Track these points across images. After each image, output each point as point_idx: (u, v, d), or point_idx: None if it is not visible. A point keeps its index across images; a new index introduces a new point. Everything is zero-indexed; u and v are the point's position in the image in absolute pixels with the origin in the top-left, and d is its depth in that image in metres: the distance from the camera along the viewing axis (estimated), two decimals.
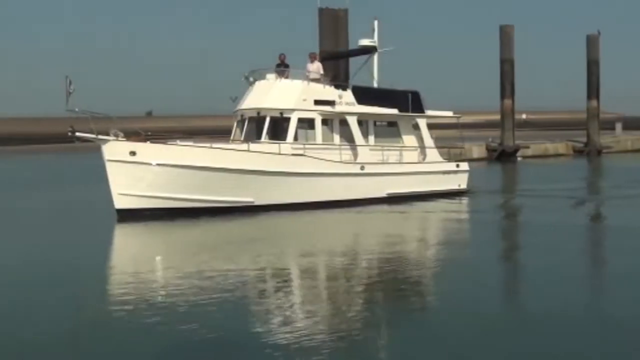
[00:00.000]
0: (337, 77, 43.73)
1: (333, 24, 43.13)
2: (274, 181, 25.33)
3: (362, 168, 27.74)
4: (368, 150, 28.49)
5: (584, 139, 62.53)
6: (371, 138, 29.04)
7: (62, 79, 22.95)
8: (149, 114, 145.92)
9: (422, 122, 31.04)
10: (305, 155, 26.20)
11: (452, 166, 31.51)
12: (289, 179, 25.58)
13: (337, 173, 26.94)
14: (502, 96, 57.78)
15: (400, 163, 29.62)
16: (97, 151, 23.69)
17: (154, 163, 23.53)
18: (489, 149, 57.26)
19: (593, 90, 62.06)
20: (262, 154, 25.38)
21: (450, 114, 33.54)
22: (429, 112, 31.29)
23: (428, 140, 31.14)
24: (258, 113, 27.27)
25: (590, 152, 60.18)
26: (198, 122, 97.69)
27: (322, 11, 43.21)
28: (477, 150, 56.86)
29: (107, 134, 23.43)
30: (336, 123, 27.92)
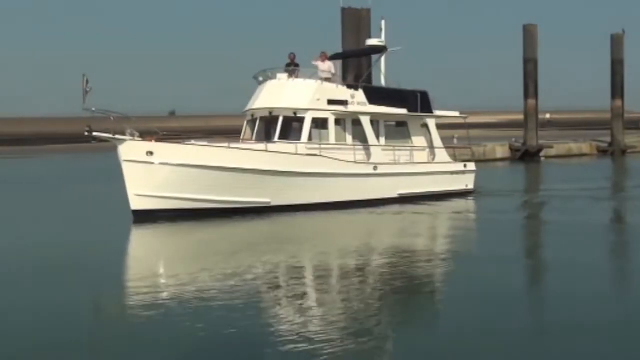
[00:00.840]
0: (359, 76, 43.78)
1: (355, 23, 43.17)
2: (291, 182, 25.13)
3: (375, 168, 27.64)
4: (381, 151, 28.36)
5: (608, 139, 62.09)
6: (382, 138, 28.90)
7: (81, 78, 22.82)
8: (172, 113, 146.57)
9: (431, 122, 31.02)
10: (321, 156, 26.03)
11: (460, 166, 31.52)
12: (305, 180, 25.40)
13: (352, 174, 26.83)
14: (526, 96, 57.48)
15: (411, 163, 29.53)
16: (113, 151, 23.47)
17: (156, 162, 23.14)
18: (513, 149, 57.01)
19: (617, 89, 61.59)
20: (280, 154, 25.17)
21: (457, 114, 33.43)
22: (437, 113, 31.22)
23: (437, 141, 31.09)
24: (270, 113, 27.02)
25: (614, 152, 59.74)
26: (221, 122, 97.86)
27: (344, 11, 43.27)
28: (501, 150, 56.65)
29: (123, 134, 23.14)
30: (349, 123, 27.70)
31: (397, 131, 29.66)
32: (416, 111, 29.95)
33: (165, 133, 25.12)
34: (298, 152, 25.52)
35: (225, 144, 24.94)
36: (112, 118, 23.10)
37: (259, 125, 27.48)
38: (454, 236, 21.00)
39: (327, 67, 28.38)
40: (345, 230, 22.63)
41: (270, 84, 27.61)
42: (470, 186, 31.35)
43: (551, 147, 58.47)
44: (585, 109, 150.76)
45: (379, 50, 31.50)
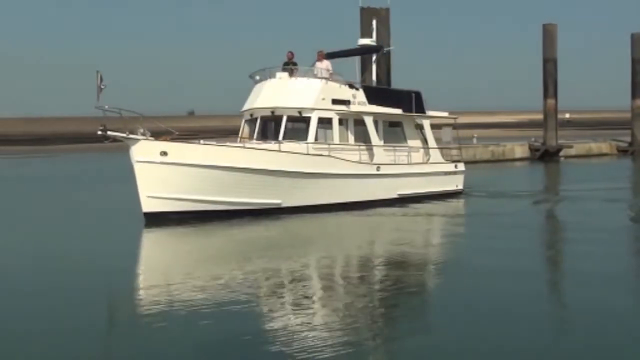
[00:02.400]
0: (378, 76, 43.76)
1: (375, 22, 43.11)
2: (302, 183, 24.80)
3: (378, 169, 27.47)
4: (382, 151, 28.16)
5: (628, 139, 61.69)
6: (381, 139, 28.62)
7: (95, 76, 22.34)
8: (191, 113, 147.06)
9: (426, 123, 30.99)
10: (330, 156, 25.73)
11: (452, 167, 31.47)
12: (316, 181, 25.12)
13: (359, 174, 26.65)
14: (545, 96, 57.27)
15: (409, 164, 29.42)
16: (123, 151, 22.81)
17: (170, 162, 22.45)
18: (532, 149, 56.80)
19: (637, 89, 61.15)
20: (295, 155, 24.76)
21: (446, 114, 33.33)
22: (429, 113, 31.14)
23: (431, 141, 31.04)
24: (272, 112, 26.40)
25: (634, 152, 59.36)
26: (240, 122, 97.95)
27: (363, 10, 43.27)
28: (520, 150, 56.48)
29: (135, 134, 22.48)
30: (351, 123, 27.32)
31: (392, 131, 29.37)
32: (411, 111, 29.80)
33: (178, 133, 24.48)
34: (309, 153, 25.15)
35: (241, 144, 24.63)
36: (121, 115, 22.08)
37: (259, 124, 26.92)
38: (476, 241, 20.00)
39: (325, 66, 27.94)
40: (361, 233, 22.25)
41: (271, 83, 27.07)
42: (460, 186, 31.35)
43: (571, 147, 58.20)
44: (604, 109, 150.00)
45: (375, 49, 31.21)
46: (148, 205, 22.59)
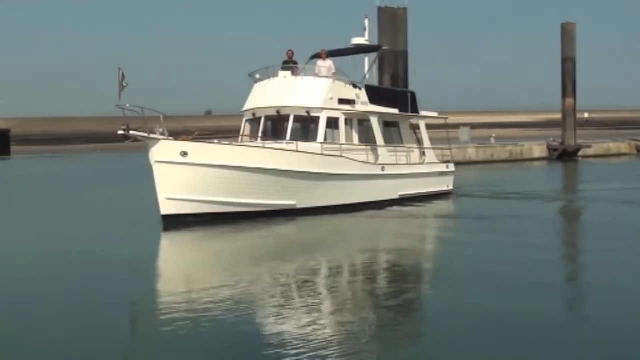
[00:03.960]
0: (396, 75, 43.86)
1: (392, 22, 43.26)
2: (317, 183, 24.44)
3: (383, 169, 27.31)
4: (386, 151, 27.93)
5: None
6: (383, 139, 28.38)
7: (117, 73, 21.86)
8: (209, 113, 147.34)
9: (422, 123, 30.95)
10: (342, 157, 25.48)
11: (444, 167, 31.40)
12: (330, 181, 24.80)
13: (369, 175, 26.50)
14: (564, 95, 57.05)
15: (409, 164, 29.32)
16: (139, 151, 22.26)
17: (191, 163, 21.70)
18: (550, 149, 56.60)
19: None
20: (315, 155, 24.44)
21: (436, 114, 33.18)
22: (423, 113, 31.00)
23: (427, 141, 30.95)
24: (278, 112, 25.77)
25: None
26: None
27: (381, 10, 43.35)
28: (538, 150, 56.29)
29: (153, 133, 21.72)
30: (355, 123, 26.92)
31: (388, 131, 29.00)
32: (407, 111, 29.60)
33: (197, 133, 24.11)
34: (324, 153, 24.83)
35: (260, 144, 24.24)
36: (144, 114, 21.39)
37: (264, 124, 26.22)
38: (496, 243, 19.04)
39: (328, 65, 27.47)
40: (380, 235, 21.91)
41: (275, 82, 26.43)
42: (450, 187, 31.21)
43: (589, 147, 57.93)
44: (624, 108, 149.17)
45: (374, 49, 30.81)
46: (167, 207, 21.88)
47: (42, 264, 17.08)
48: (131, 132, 21.44)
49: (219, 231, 21.41)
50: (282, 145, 24.36)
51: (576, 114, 57.76)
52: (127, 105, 21.50)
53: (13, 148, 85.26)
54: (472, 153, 52.48)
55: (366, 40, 30.00)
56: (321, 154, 24.68)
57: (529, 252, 17.35)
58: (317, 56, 28.50)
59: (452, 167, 31.75)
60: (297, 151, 24.05)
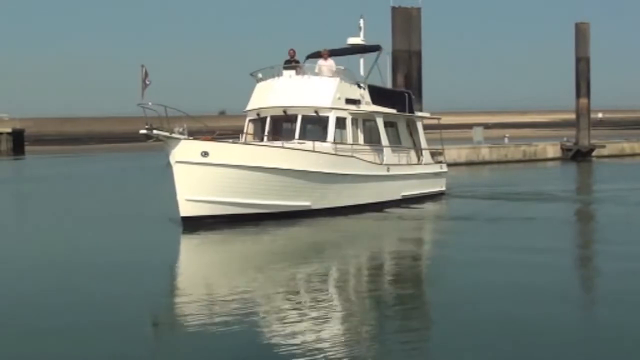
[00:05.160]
0: (409, 75, 43.87)
1: (406, 22, 43.22)
2: (332, 184, 24.19)
3: (388, 170, 27.24)
4: (391, 152, 27.83)
5: None
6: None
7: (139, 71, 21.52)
8: (222, 113, 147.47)
9: (419, 123, 30.94)
10: (354, 157, 25.35)
11: (439, 168, 31.36)
12: (343, 182, 24.61)
13: (377, 175, 26.44)
14: (578, 95, 56.83)
15: (410, 165, 29.30)
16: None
17: (213, 163, 21.17)
18: (564, 149, 56.43)
19: None
20: (333, 156, 24.30)
21: (428, 114, 33.16)
22: (418, 114, 31.02)
23: (423, 142, 30.97)
24: (285, 111, 25.26)
25: None
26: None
27: (395, 10, 43.31)
28: (552, 150, 56.14)
29: (172, 132, 21.21)
30: (360, 123, 26.60)
31: (389, 132, 28.61)
32: (404, 111, 29.45)
33: (218, 132, 23.90)
34: (338, 153, 24.68)
35: (279, 144, 23.79)
36: (165, 112, 20.89)
37: (270, 124, 25.53)
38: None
39: (329, 64, 27.00)
40: (402, 238, 21.50)
41: (280, 81, 25.91)
42: (443, 187, 31.07)
43: (603, 147, 57.69)
44: (638, 108, 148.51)
45: (374, 49, 29.68)
46: (186, 209, 21.42)
47: (63, 268, 16.80)
48: (155, 132, 20.87)
49: (240, 232, 21.08)
50: (302, 145, 23.99)
51: (590, 114, 57.55)
52: (149, 103, 21.10)
53: (27, 148, 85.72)
54: (485, 153, 52.43)
55: (362, 40, 29.38)
56: (336, 154, 24.53)
57: (544, 258, 16.93)
58: (315, 55, 28.19)
59: (445, 168, 31.73)
60: (323, 152, 23.85)
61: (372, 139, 27.16)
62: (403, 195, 27.79)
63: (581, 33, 56.19)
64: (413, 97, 30.96)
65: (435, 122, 33.24)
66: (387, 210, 25.73)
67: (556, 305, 12.53)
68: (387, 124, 28.37)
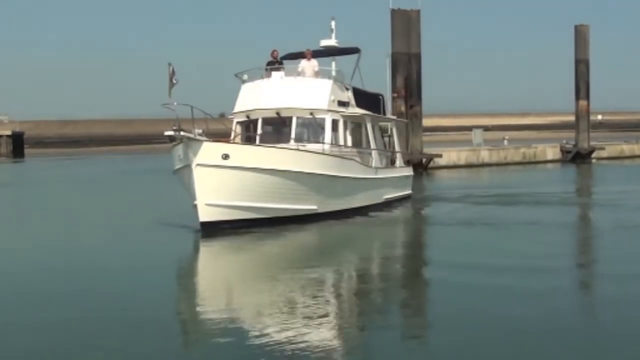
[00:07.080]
0: (409, 78, 43.93)
1: (405, 24, 43.29)
2: (336, 187, 23.76)
3: (376, 172, 27.13)
4: (377, 154, 27.73)
5: None
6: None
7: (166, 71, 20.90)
8: (222, 115, 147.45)
9: (394, 126, 31.07)
10: (354, 159, 25.20)
11: (410, 171, 31.56)
12: (346, 185, 24.30)
13: (372, 178, 26.38)
14: (577, 97, 56.95)
15: (390, 168, 29.34)
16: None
17: (219, 164, 20.35)
18: (564, 151, 56.52)
19: None
20: (343, 159, 24.13)
21: (395, 117, 33.29)
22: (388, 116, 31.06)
23: (397, 145, 31.10)
24: (278, 113, 24.57)
25: None
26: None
27: (394, 12, 43.38)
28: (551, 152, 56.22)
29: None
30: (349, 125, 26.09)
31: (375, 135, 28.56)
32: (379, 113, 29.16)
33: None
34: (343, 156, 24.44)
35: (295, 146, 23.20)
36: (192, 113, 20.39)
37: (262, 126, 24.87)
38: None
39: (313, 65, 26.31)
40: (404, 242, 21.65)
41: (270, 83, 25.27)
42: (410, 191, 30.87)
43: (603, 149, 57.80)
44: (637, 110, 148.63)
45: (352, 51, 29.22)
46: (206, 214, 20.58)
47: (82, 273, 16.36)
48: (181, 133, 19.94)
49: (261, 236, 20.45)
50: (317, 147, 23.61)
51: (589, 116, 57.66)
52: (175, 103, 20.51)
53: (27, 151, 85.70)
54: (485, 155, 52.45)
55: (335, 42, 28.74)
56: (342, 157, 24.30)
57: (536, 262, 16.68)
58: (295, 56, 27.70)
59: (411, 171, 32.01)
60: (344, 157, 23.98)
61: (360, 142, 26.97)
62: (385, 199, 27.60)
63: (581, 35, 56.30)
64: (386, 99, 30.90)
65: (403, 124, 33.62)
66: (371, 214, 25.27)
67: (553, 305, 12.53)
68: (372, 127, 28.15)
